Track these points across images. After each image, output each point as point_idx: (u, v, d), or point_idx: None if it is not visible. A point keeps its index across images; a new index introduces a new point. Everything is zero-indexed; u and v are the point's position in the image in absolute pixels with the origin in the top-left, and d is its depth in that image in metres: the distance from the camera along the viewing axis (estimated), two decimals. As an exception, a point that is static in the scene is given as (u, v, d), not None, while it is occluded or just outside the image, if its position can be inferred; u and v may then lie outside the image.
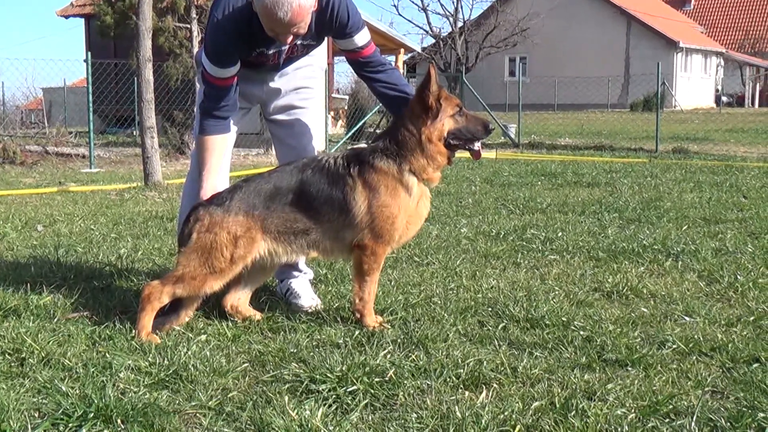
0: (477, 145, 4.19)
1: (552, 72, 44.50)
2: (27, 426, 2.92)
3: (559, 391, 3.21)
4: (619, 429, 2.86)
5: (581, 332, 3.92)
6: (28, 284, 4.77)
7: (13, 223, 7.54)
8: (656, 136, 18.64)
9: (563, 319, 4.13)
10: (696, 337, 3.85)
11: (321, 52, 4.76)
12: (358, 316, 4.14)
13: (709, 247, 6.00)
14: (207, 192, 4.27)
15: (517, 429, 2.88)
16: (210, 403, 3.13)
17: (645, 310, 4.37)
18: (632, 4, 47.45)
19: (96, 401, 3.03)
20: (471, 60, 44.22)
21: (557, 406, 3.05)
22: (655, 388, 3.25)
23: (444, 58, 45.03)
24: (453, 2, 59.41)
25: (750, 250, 5.94)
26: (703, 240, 6.35)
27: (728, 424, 2.89)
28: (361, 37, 4.36)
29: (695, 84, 49.70)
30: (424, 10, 46.84)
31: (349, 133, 20.78)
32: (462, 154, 4.30)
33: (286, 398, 3.15)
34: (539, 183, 11.08)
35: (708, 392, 3.24)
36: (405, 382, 3.30)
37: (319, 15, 4.21)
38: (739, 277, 5.07)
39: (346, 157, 4.12)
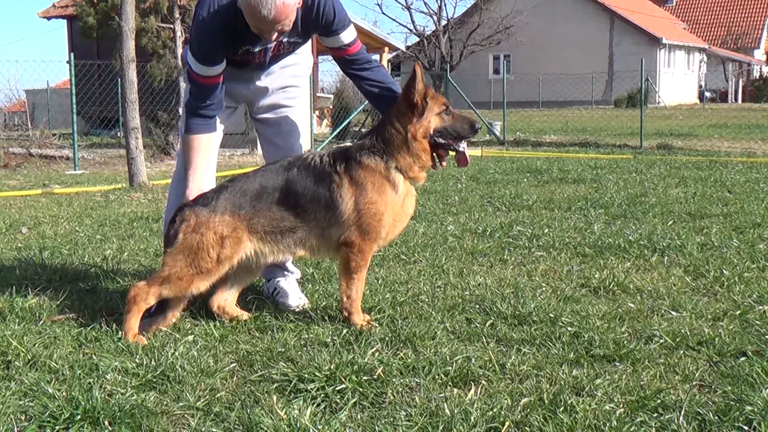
0: (462, 145, 4.19)
1: (536, 69, 44.63)
2: (14, 429, 2.90)
3: (548, 387, 3.21)
4: (608, 424, 2.86)
5: (569, 328, 3.93)
6: (13, 287, 4.74)
7: (-3, 226, 7.49)
8: (641, 133, 18.73)
9: (551, 315, 4.14)
10: (683, 331, 3.86)
11: (306, 50, 4.75)
12: (345, 314, 4.13)
13: (695, 242, 6.03)
14: (193, 192, 4.25)
15: (506, 425, 2.88)
16: (198, 403, 3.11)
17: (632, 305, 4.39)
18: (615, 0, 47.61)
19: (83, 403, 3.01)
20: (455, 58, 44.22)
21: (546, 402, 3.06)
22: (642, 382, 3.26)
23: (428, 56, 45.04)
24: (437, 0, 59.65)
25: (735, 244, 5.97)
26: (689, 235, 6.38)
27: (716, 417, 2.90)
28: (348, 35, 4.36)
29: (679, 80, 49.94)
30: (408, 8, 46.85)
31: (335, 132, 20.76)
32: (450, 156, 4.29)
33: (275, 398, 3.14)
34: (525, 180, 11.10)
35: (695, 386, 3.26)
36: (393, 380, 3.30)
37: (305, 12, 4.20)
38: (724, 271, 5.09)
39: (332, 155, 4.12)
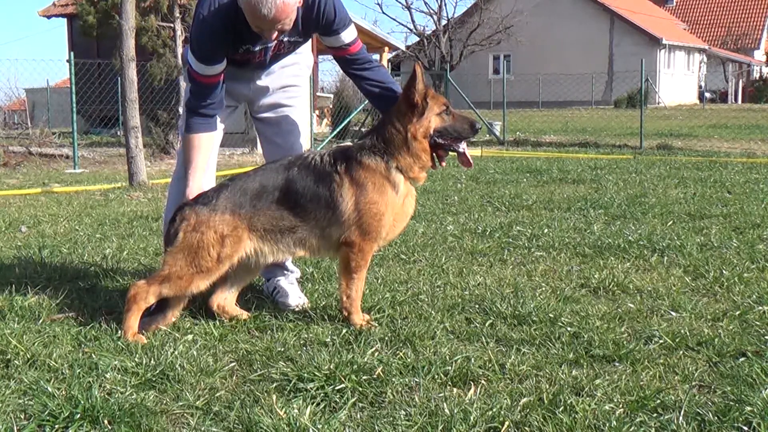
0: (462, 145, 4.19)
1: (536, 69, 44.62)
2: (13, 428, 2.89)
3: (547, 387, 3.21)
4: (608, 424, 2.86)
5: (568, 328, 3.93)
6: (13, 285, 4.74)
7: (-4, 225, 7.49)
8: (640, 133, 18.72)
9: (550, 315, 4.14)
10: (682, 331, 3.86)
11: (307, 50, 4.75)
12: (345, 314, 4.13)
13: (695, 243, 6.03)
14: (193, 191, 4.24)
15: (505, 425, 2.88)
16: (197, 402, 3.11)
17: (631, 305, 4.39)
18: (615, 1, 47.61)
19: (82, 402, 3.01)
20: (455, 58, 44.19)
21: (545, 402, 3.06)
22: (642, 383, 3.26)
23: (428, 56, 45.02)
24: (437, 0, 59.56)
25: (735, 244, 5.97)
26: (689, 235, 6.38)
27: (716, 418, 2.90)
28: (348, 35, 4.36)
29: (678, 80, 49.95)
30: (408, 8, 46.82)
31: (335, 132, 20.76)
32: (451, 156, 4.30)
33: (274, 397, 3.14)
34: (524, 180, 11.10)
35: (695, 387, 3.26)
36: (393, 379, 3.30)
37: (305, 12, 4.20)
38: (724, 271, 5.09)
39: (332, 155, 4.12)
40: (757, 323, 4.03)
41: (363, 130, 19.91)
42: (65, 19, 26.80)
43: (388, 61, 32.34)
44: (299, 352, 3.64)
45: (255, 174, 4.15)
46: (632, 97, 39.92)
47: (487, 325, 4.04)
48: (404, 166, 4.08)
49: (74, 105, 14.71)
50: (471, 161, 4.25)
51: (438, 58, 44.82)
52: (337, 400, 3.13)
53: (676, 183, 10.38)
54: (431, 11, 46.93)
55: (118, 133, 22.51)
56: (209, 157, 4.47)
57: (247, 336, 3.98)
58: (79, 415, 2.95)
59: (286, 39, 4.35)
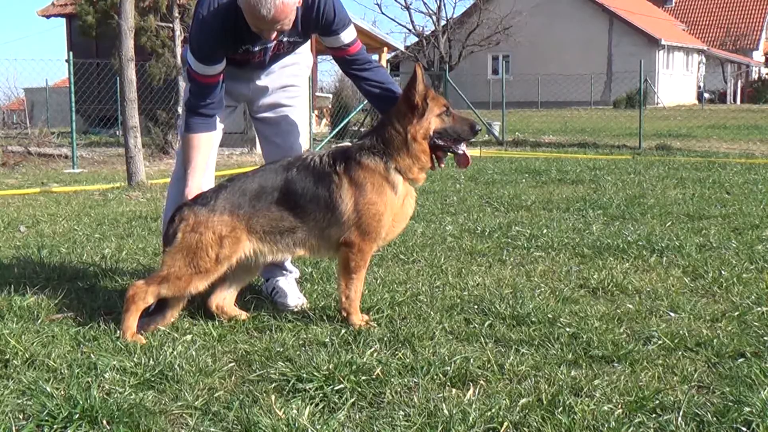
0: (462, 147, 4.19)
1: (535, 70, 44.61)
2: (11, 428, 2.89)
3: (546, 387, 3.21)
4: (606, 424, 2.86)
5: (567, 329, 3.93)
6: (12, 285, 4.73)
7: (-5, 224, 7.48)
8: (639, 133, 18.74)
9: (549, 315, 4.14)
10: (681, 332, 3.86)
11: (306, 50, 4.75)
12: (344, 314, 4.13)
13: (693, 243, 6.03)
14: (192, 191, 4.24)
15: (504, 426, 2.88)
16: (196, 402, 3.11)
17: (630, 306, 4.39)
18: (614, 1, 47.64)
19: (81, 402, 3.01)
20: (454, 58, 44.23)
21: (544, 402, 3.06)
22: (641, 383, 3.26)
23: (427, 56, 45.02)
24: (436, 1, 59.53)
25: (734, 245, 5.97)
26: (687, 236, 6.38)
27: (714, 418, 2.90)
28: (348, 35, 4.36)
29: (677, 81, 49.97)
30: (407, 8, 46.81)
31: (334, 132, 20.76)
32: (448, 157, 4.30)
33: (273, 397, 3.14)
34: (523, 180, 11.10)
35: (694, 387, 3.26)
36: (392, 380, 3.30)
37: (305, 12, 4.20)
38: (723, 272, 5.09)
39: (331, 155, 4.11)
40: (756, 324, 4.03)
41: (362, 130, 19.90)
42: (64, 19, 26.79)
43: (388, 61, 32.34)
44: (298, 353, 3.63)
45: (254, 175, 4.15)
46: (631, 97, 39.92)
47: (486, 325, 4.04)
48: (403, 167, 4.08)
49: (73, 105, 14.71)
50: (469, 160, 4.24)
51: (437, 58, 44.84)
52: (336, 401, 3.13)
53: (674, 183, 10.39)
54: (430, 12, 47.02)
55: (117, 133, 22.47)
56: (208, 157, 4.47)
57: (245, 336, 3.98)
58: (77, 415, 2.94)
59: (285, 39, 4.35)
